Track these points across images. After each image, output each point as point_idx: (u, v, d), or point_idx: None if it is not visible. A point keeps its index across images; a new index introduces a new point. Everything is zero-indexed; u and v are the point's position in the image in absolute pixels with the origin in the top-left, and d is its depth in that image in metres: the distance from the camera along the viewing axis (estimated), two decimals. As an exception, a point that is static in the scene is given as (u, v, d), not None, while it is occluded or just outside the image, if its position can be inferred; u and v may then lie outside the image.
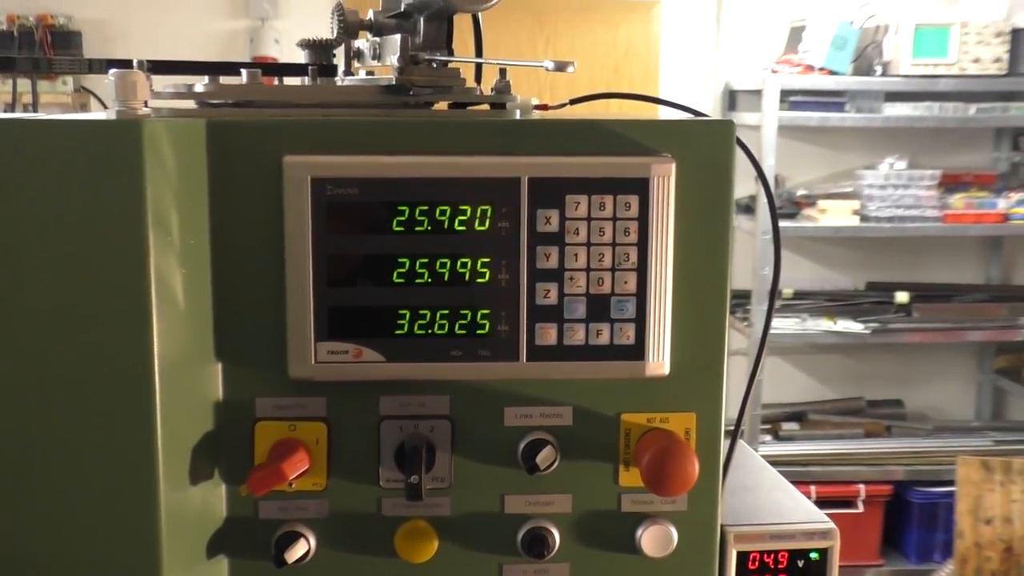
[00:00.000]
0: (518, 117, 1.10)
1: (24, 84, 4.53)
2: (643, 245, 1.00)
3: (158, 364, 0.93)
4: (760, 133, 4.28)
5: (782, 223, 4.23)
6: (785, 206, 4.41)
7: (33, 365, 0.92)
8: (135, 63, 0.99)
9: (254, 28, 4.73)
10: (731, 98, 4.79)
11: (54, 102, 4.65)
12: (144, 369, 0.93)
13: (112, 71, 0.93)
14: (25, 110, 4.35)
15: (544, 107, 1.21)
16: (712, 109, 4.82)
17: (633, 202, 0.99)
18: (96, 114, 1.16)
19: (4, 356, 0.92)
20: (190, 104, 1.06)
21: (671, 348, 1.01)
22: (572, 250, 0.99)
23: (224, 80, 1.08)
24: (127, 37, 4.71)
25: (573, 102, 1.22)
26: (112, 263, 0.92)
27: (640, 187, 0.99)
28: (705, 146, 1.01)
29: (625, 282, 1.00)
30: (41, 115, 1.02)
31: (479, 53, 1.19)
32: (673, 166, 1.00)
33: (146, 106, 0.94)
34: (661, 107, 1.25)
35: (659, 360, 1.01)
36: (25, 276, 0.91)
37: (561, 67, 0.91)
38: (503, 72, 1.12)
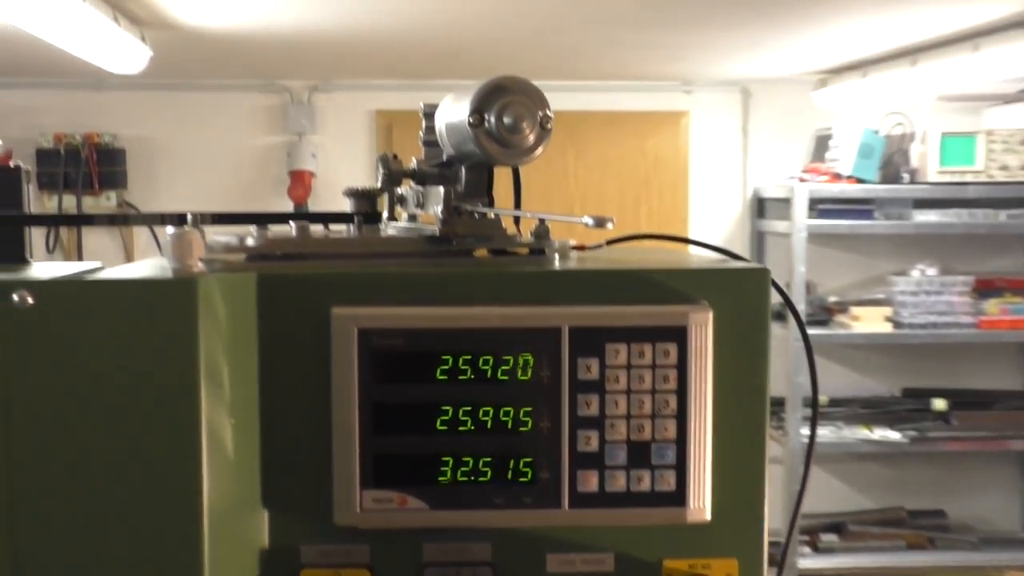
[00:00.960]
0: (557, 264, 1.13)
1: (70, 199, 4.65)
2: (682, 392, 1.01)
3: (207, 512, 0.95)
4: (790, 240, 4.31)
5: (814, 330, 4.22)
6: (817, 313, 4.40)
7: (87, 510, 0.94)
8: (189, 217, 1.03)
9: (291, 143, 4.86)
10: (759, 206, 4.83)
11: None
12: (193, 517, 0.95)
13: (169, 231, 0.96)
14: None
15: (581, 248, 1.24)
16: (741, 217, 4.86)
17: (672, 350, 1.01)
18: (152, 263, 1.20)
19: (60, 501, 0.94)
20: (240, 255, 1.10)
21: (711, 493, 1.02)
22: (613, 398, 1.01)
23: (273, 232, 1.11)
24: (169, 153, 4.85)
25: (610, 243, 1.25)
26: (165, 414, 0.95)
27: (678, 335, 1.01)
28: (741, 292, 1.03)
29: (665, 429, 1.01)
30: (103, 273, 1.06)
31: (518, 203, 1.23)
32: (710, 314, 1.01)
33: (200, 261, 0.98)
34: (695, 247, 1.28)
35: (700, 506, 1.01)
36: (82, 424, 0.94)
37: (601, 223, 0.94)
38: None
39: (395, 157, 1.22)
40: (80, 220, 1.65)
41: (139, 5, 2.90)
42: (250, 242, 1.07)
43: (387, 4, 3.00)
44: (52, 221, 1.31)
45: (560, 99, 0.98)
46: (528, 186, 1.24)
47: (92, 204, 4.74)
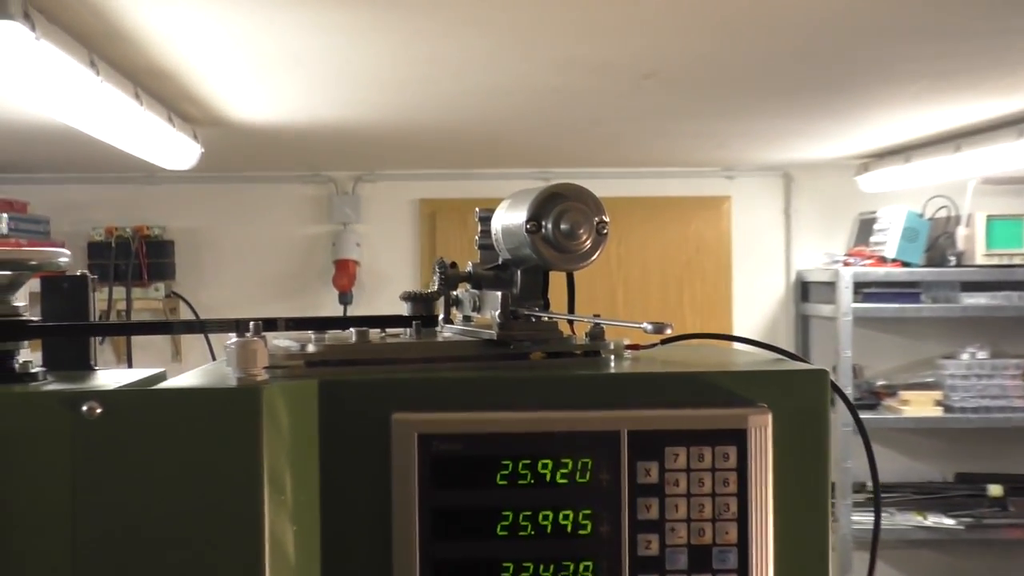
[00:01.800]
0: (613, 366, 1.14)
1: (119, 291, 4.73)
2: (743, 495, 1.01)
3: (269, 619, 0.96)
4: (835, 324, 4.29)
5: (863, 415, 4.17)
6: (865, 397, 4.36)
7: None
8: (252, 326, 1.06)
9: (336, 232, 4.94)
10: (803, 289, 4.82)
11: (146, 307, 4.85)
12: (255, 624, 0.95)
13: (233, 340, 0.99)
14: (119, 316, 4.54)
15: (635, 347, 1.25)
16: (784, 300, 4.85)
17: (731, 453, 1.01)
18: (212, 369, 1.22)
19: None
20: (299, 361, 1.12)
21: (775, 598, 1.01)
22: (673, 501, 1.01)
23: (332, 337, 1.13)
24: (216, 244, 4.94)
25: (664, 342, 1.26)
26: (229, 521, 0.96)
27: (738, 438, 1.01)
28: (800, 394, 1.04)
29: (726, 532, 1.01)
30: (169, 382, 1.09)
31: (572, 305, 1.25)
32: (769, 416, 1.02)
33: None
34: (745, 345, 1.28)
35: (764, 611, 1.01)
36: (147, 532, 0.95)
37: (659, 329, 0.95)
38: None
39: (453, 265, 1.25)
40: (147, 329, 1.67)
41: (193, 104, 3.00)
42: (311, 348, 1.09)
43: (429, 99, 3.07)
44: (120, 331, 1.34)
45: (602, 185, 1.00)
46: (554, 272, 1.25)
47: (141, 295, 4.82)
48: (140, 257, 4.81)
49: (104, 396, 0.96)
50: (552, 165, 4.76)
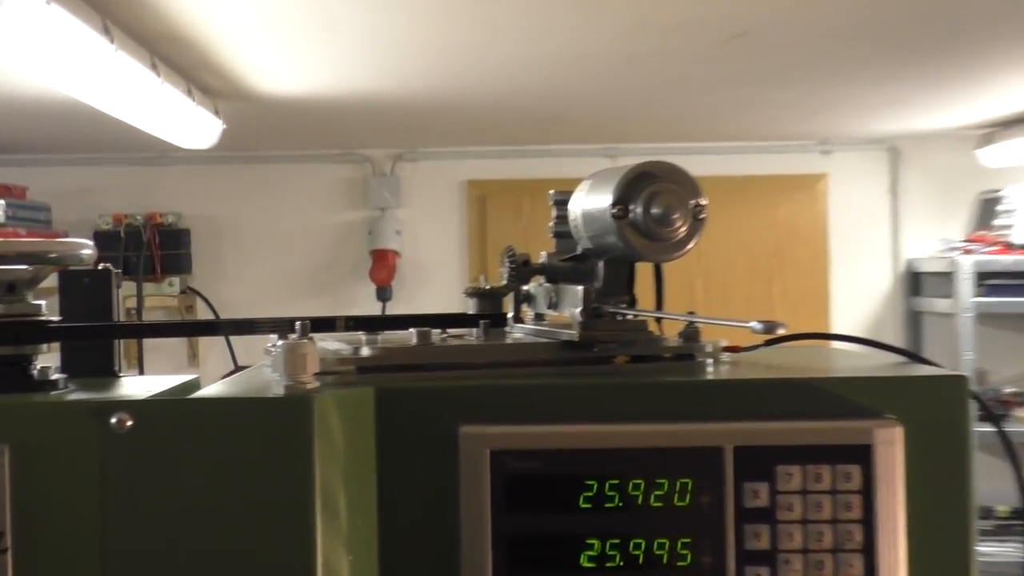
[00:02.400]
0: (711, 371, 1.13)
1: (129, 286, 4.80)
2: (868, 522, 1.00)
3: (320, 658, 0.96)
4: (953, 322, 4.23)
5: (987, 428, 4.11)
6: (990, 406, 4.29)
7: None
8: (298, 326, 1.06)
9: (373, 219, 4.97)
10: (914, 281, 4.76)
11: (159, 305, 4.92)
12: (306, 667, 0.96)
13: (279, 344, 0.99)
14: (129, 314, 4.61)
15: (734, 349, 1.24)
16: (891, 295, 4.79)
17: (855, 472, 1.00)
18: (252, 375, 1.23)
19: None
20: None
21: (906, 641, 1.00)
22: (785, 529, 1.00)
23: (388, 339, 1.14)
24: (237, 233, 5.00)
25: (769, 343, 1.25)
26: (277, 548, 0.96)
27: (862, 455, 1.00)
28: (935, 404, 1.02)
29: (850, 566, 1.00)
30: (205, 390, 1.10)
31: (660, 301, 1.24)
32: (899, 430, 1.00)
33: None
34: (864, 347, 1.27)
35: (893, 657, 0.99)
36: (182, 558, 0.96)
37: (771, 328, 0.94)
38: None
39: (526, 264, 1.25)
40: (184, 330, 1.68)
41: (214, 75, 3.03)
42: (365, 351, 1.10)
43: (478, 66, 3.07)
44: (154, 332, 1.34)
45: (677, 162, 0.99)
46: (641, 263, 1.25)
47: (153, 290, 4.89)
48: (152, 248, 4.88)
49: (135, 407, 0.97)
50: (619, 140, 4.75)
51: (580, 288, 1.13)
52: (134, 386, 1.17)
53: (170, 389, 1.14)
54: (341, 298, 4.99)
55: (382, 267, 4.90)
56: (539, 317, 1.31)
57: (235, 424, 0.97)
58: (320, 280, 5.01)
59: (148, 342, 4.77)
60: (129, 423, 0.96)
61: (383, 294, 4.93)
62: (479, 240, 4.99)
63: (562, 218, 1.23)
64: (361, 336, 1.21)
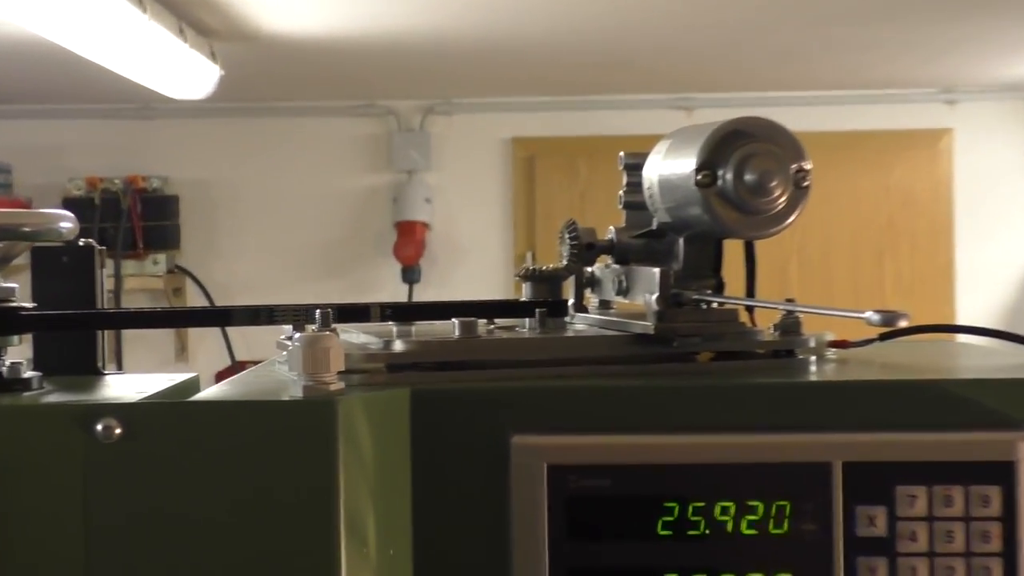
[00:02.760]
0: (814, 371, 1.13)
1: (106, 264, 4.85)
2: (1011, 556, 0.99)
3: None
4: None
5: None
6: None
7: None
8: (319, 315, 1.07)
9: (398, 184, 4.99)
10: (1058, 260, 4.72)
11: (141, 287, 4.96)
12: None
13: (297, 337, 1.00)
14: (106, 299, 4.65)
15: (842, 344, 1.24)
16: (1030, 277, 4.75)
17: (993, 495, 1.00)
18: (260, 372, 1.24)
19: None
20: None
21: None
22: (907, 563, 1.00)
23: (423, 333, 1.15)
24: (234, 201, 5.04)
25: (883, 338, 1.24)
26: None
27: (1003, 474, 1.00)
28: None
29: (986, 608, 1.00)
30: (206, 392, 1.11)
31: (752, 288, 1.24)
32: (1047, 444, 1.00)
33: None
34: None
35: None
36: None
37: (891, 320, 0.94)
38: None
39: (590, 246, 1.26)
40: (183, 319, 1.63)
41: (210, 11, 3.05)
42: (398, 346, 1.11)
43: (531, 3, 3.06)
44: (140, 322, 1.34)
45: (766, 116, 0.98)
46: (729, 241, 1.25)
47: (135, 269, 4.93)
48: (133, 219, 4.91)
49: (125, 412, 0.98)
50: (696, 89, 4.74)
51: (656, 270, 1.13)
52: (122, 387, 1.18)
53: (165, 390, 1.15)
54: (360, 280, 5.02)
55: (409, 243, 4.93)
56: (605, 305, 1.31)
57: (245, 433, 0.98)
58: (334, 258, 5.04)
59: (127, 333, 4.82)
60: (118, 431, 0.97)
61: (410, 275, 4.96)
62: (526, 210, 5.01)
63: (634, 186, 1.24)
64: (391, 327, 1.22)
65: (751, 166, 1.07)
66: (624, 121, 4.85)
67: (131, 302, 4.86)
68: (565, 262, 1.27)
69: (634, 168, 1.24)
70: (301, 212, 5.04)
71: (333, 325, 1.09)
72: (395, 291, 4.93)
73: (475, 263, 5.00)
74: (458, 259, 5.03)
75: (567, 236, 1.26)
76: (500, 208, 5.02)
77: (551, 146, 5.00)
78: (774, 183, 1.07)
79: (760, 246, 1.22)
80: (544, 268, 1.28)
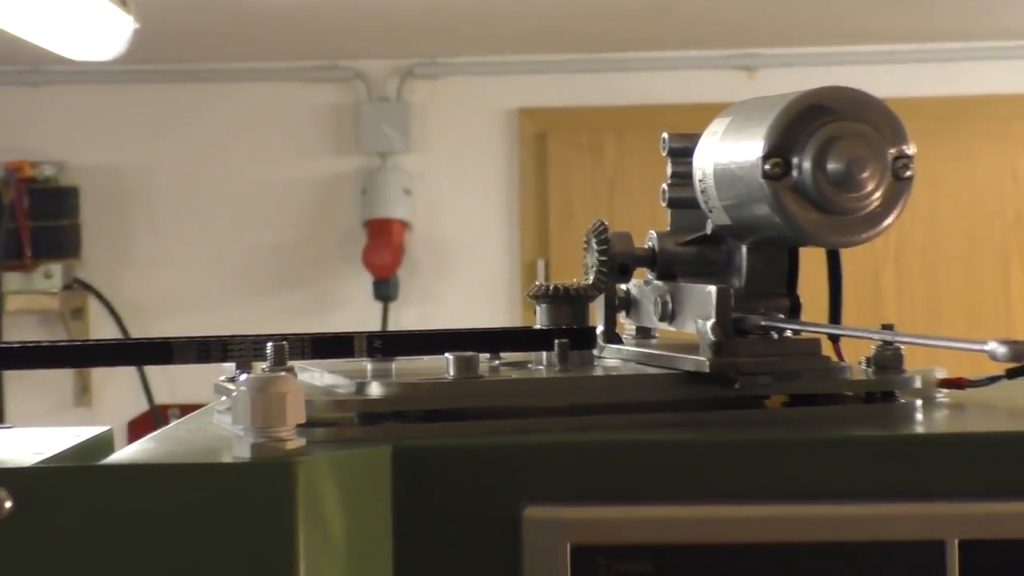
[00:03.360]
0: (921, 420, 1.14)
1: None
2: None
3: None
4: None
5: None
6: None
7: None
8: (270, 349, 1.08)
9: (368, 171, 4.99)
10: None
11: (29, 308, 4.94)
12: None
13: (244, 379, 1.01)
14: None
15: (957, 384, 1.24)
16: None
17: None
18: (195, 428, 1.25)
19: None
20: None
21: None
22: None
23: (409, 372, 1.15)
24: (155, 193, 5.04)
25: (1011, 375, 1.25)
26: None
27: None
28: None
29: None
30: (124, 452, 1.12)
31: (837, 311, 1.24)
32: None
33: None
34: None
35: None
36: None
37: (1021, 354, 0.95)
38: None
39: (624, 263, 1.26)
40: (80, 356, 1.60)
41: (120, -53, 3.06)
42: (375, 390, 1.11)
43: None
44: (29, 359, 1.33)
45: (851, 76, 0.98)
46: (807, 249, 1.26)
47: (21, 284, 4.92)
48: (18, 218, 4.90)
49: (16, 480, 0.99)
50: (759, 44, 4.74)
51: (711, 288, 1.14)
52: (10, 445, 1.19)
53: (69, 451, 1.16)
54: (319, 297, 5.04)
55: (382, 247, 4.94)
56: (645, 334, 1.32)
57: (177, 506, 0.99)
58: (284, 269, 5.05)
59: (10, 374, 4.82)
60: (8, 504, 0.98)
61: (384, 290, 4.97)
62: (537, 206, 5.02)
63: (681, 177, 1.24)
64: (365, 365, 1.23)
65: (836, 152, 1.08)
66: (666, 86, 4.85)
67: (15, 328, 4.85)
68: (591, 278, 1.27)
69: (681, 154, 1.25)
70: (241, 209, 5.04)
71: (289, 363, 1.10)
72: (365, 312, 4.94)
73: (470, 275, 5.00)
74: (447, 269, 5.03)
75: (595, 243, 1.27)
76: (503, 202, 5.02)
77: (570, 120, 5.01)
78: (866, 173, 1.08)
79: (846, 254, 1.22)
80: (565, 285, 1.28)
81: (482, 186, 5.03)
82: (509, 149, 5.02)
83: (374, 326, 4.84)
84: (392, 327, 4.85)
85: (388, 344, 1.24)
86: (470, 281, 4.98)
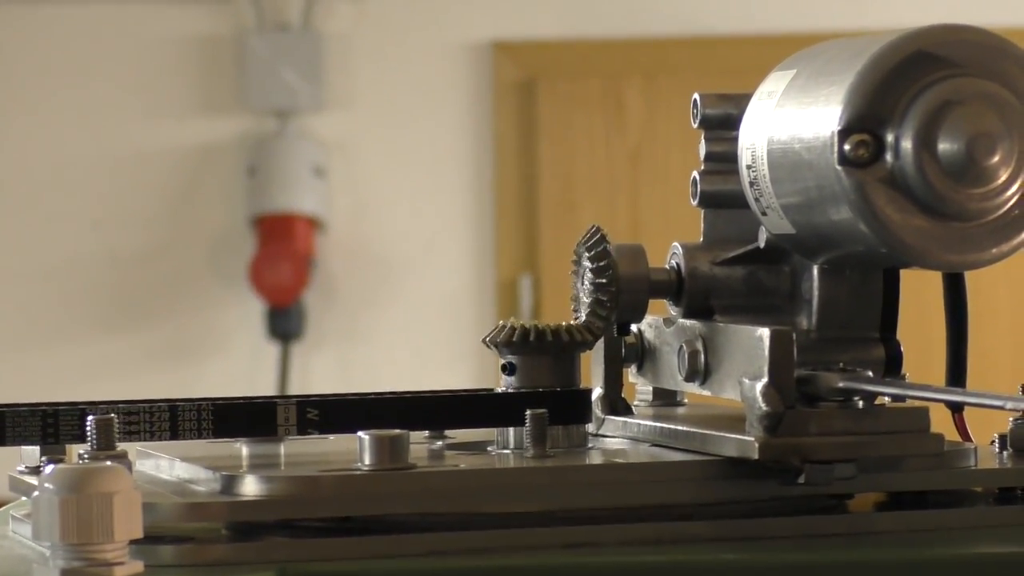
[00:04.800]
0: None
1: None
2: None
3: None
4: None
5: None
6: None
7: None
8: (91, 425, 1.10)
9: (259, 139, 4.99)
10: None
11: None
12: None
13: (49, 473, 1.03)
14: None
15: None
16: None
17: None
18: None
19: None
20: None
21: None
22: None
23: (300, 457, 1.17)
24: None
25: None
26: None
27: None
28: None
29: None
30: None
31: (960, 364, 1.26)
32: None
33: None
34: None
35: None
36: None
37: None
38: None
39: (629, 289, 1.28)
40: None
41: None
42: (251, 488, 1.13)
43: None
44: None
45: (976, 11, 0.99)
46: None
47: None
48: None
49: None
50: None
51: (764, 332, 1.16)
52: None
53: None
54: (181, 333, 5.04)
55: (280, 258, 4.95)
56: (665, 398, 1.34)
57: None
58: (129, 291, 5.06)
59: None
60: None
61: (282, 323, 4.98)
62: (520, 190, 5.03)
63: (721, 161, 1.26)
64: (239, 447, 1.25)
65: (952, 124, 1.09)
66: (718, 8, 4.88)
67: None
68: (583, 315, 1.28)
69: (721, 125, 1.27)
70: (61, 199, 5.05)
71: (119, 446, 1.11)
72: (253, 356, 4.95)
73: (416, 302, 5.00)
74: (380, 293, 5.03)
75: (587, 262, 1.28)
76: (468, 189, 5.04)
77: (571, 59, 5.03)
78: (996, 157, 1.10)
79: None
80: (544, 328, 1.29)
81: (436, 163, 5.04)
82: (478, 105, 5.04)
83: (267, 376, 4.84)
84: (296, 381, 4.84)
85: (329, 413, 1.25)
86: (416, 311, 4.99)
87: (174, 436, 1.22)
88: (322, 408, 1.23)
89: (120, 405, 1.21)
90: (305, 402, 1.23)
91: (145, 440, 1.23)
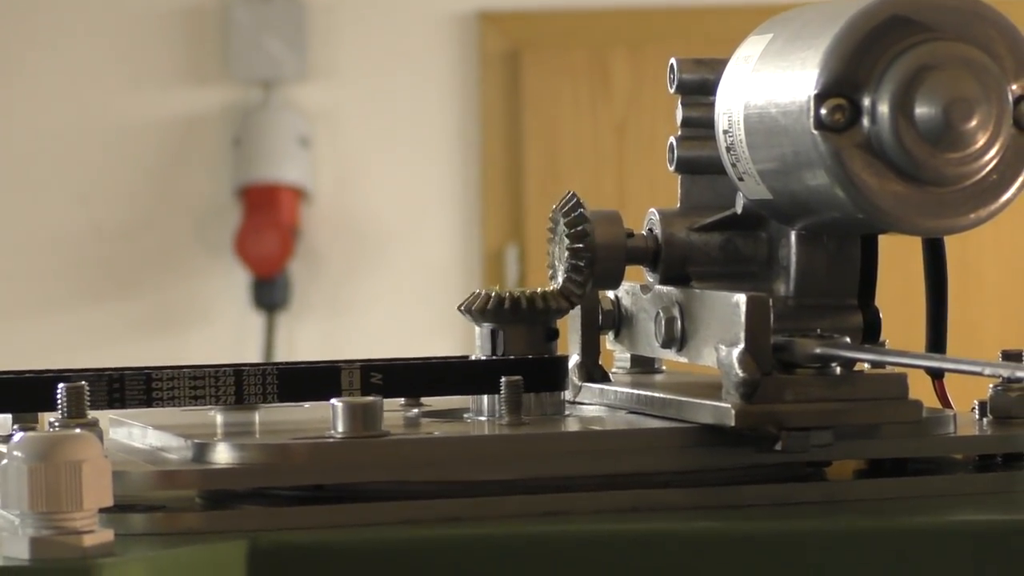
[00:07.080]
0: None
1: None
2: None
3: None
4: None
5: None
6: None
7: None
8: (62, 392, 1.09)
9: (243, 109, 4.98)
10: None
11: None
12: None
13: (17, 440, 1.02)
14: None
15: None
16: None
17: None
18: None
19: None
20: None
21: None
22: None
23: (276, 425, 1.17)
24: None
25: None
26: None
27: None
28: None
29: None
30: None
31: (939, 331, 1.26)
32: None
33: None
34: None
35: None
36: None
37: None
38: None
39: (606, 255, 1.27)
40: None
41: None
42: (223, 456, 1.12)
43: None
44: None
45: None
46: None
47: None
48: None
49: None
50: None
51: (741, 298, 1.15)
52: None
53: None
54: (166, 304, 5.04)
55: (265, 228, 4.94)
56: (642, 366, 1.33)
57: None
58: (114, 262, 5.05)
59: None
60: None
61: (268, 293, 4.97)
62: (506, 160, 5.03)
63: (697, 127, 1.26)
64: (214, 415, 1.24)
65: (929, 88, 1.09)
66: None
67: None
68: (560, 281, 1.28)
69: (697, 90, 1.26)
70: (44, 170, 5.05)
71: (91, 414, 1.10)
72: (239, 326, 4.94)
73: (402, 272, 4.99)
74: (366, 263, 5.02)
75: (563, 227, 1.27)
76: (454, 159, 5.04)
77: (557, 29, 5.03)
78: (974, 122, 1.09)
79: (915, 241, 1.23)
80: (518, 294, 1.29)
81: (421, 134, 5.04)
82: (463, 76, 5.03)
83: (252, 347, 4.84)
84: (282, 351, 4.84)
85: (393, 378, 1.25)
86: (402, 281, 4.98)
87: (239, 401, 1.23)
88: (386, 372, 1.23)
89: (185, 370, 1.22)
90: (366, 366, 1.23)
91: (211, 404, 1.25)
